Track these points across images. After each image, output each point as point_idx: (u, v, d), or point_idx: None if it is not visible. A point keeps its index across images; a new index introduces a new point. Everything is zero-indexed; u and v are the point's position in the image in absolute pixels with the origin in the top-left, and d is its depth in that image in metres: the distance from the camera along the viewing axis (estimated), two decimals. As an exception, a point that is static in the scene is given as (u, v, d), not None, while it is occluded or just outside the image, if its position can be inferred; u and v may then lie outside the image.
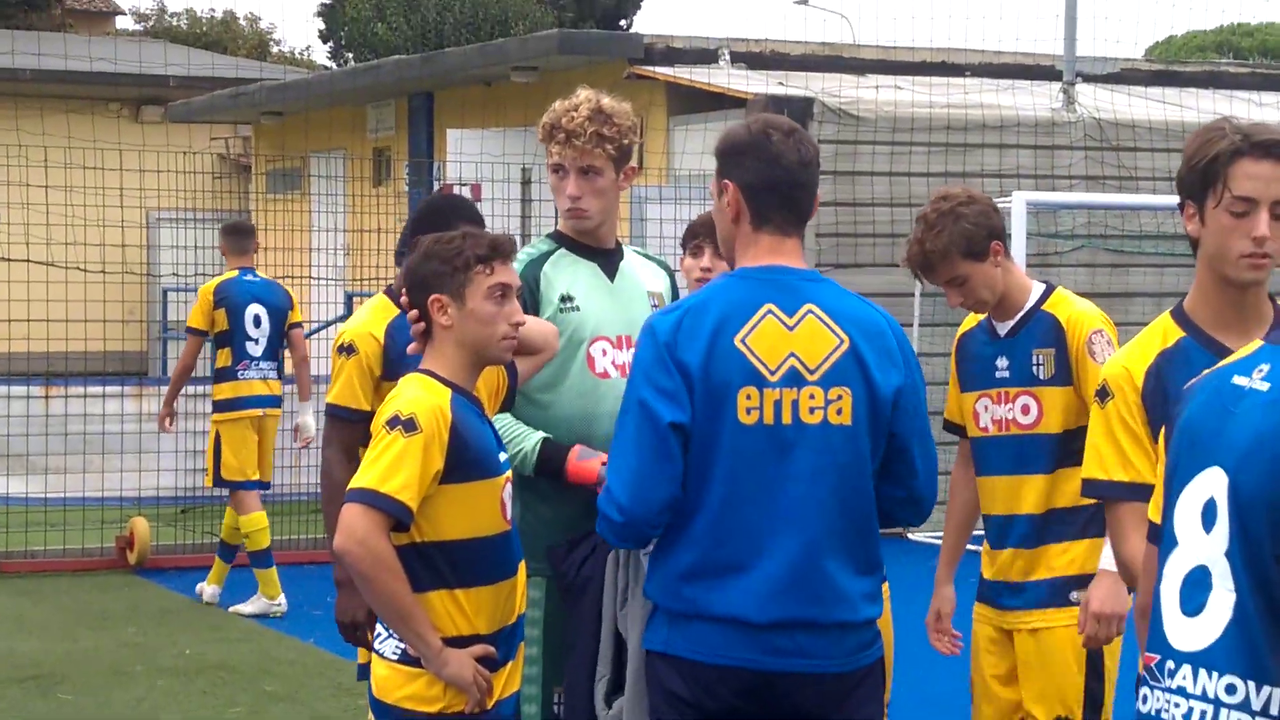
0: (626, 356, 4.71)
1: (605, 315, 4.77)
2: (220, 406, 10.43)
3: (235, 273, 10.63)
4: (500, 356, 4.37)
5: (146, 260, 20.04)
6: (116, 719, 8.24)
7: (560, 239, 4.85)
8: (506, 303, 4.31)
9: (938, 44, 17.16)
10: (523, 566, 4.41)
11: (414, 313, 4.37)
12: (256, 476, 10.44)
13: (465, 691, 4.20)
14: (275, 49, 43.51)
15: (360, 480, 4.17)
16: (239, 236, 10.92)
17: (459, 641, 4.23)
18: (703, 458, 3.97)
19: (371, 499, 4.13)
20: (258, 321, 10.45)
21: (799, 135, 4.11)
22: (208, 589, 10.82)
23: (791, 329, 3.98)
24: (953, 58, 17.10)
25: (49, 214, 14.71)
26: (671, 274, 5.10)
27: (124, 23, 43.77)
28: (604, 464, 4.37)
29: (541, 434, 4.61)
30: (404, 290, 4.45)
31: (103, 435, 13.38)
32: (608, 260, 4.86)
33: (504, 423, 4.62)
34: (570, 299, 4.74)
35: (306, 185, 20.80)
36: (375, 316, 5.37)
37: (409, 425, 4.17)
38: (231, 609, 10.55)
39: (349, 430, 5.23)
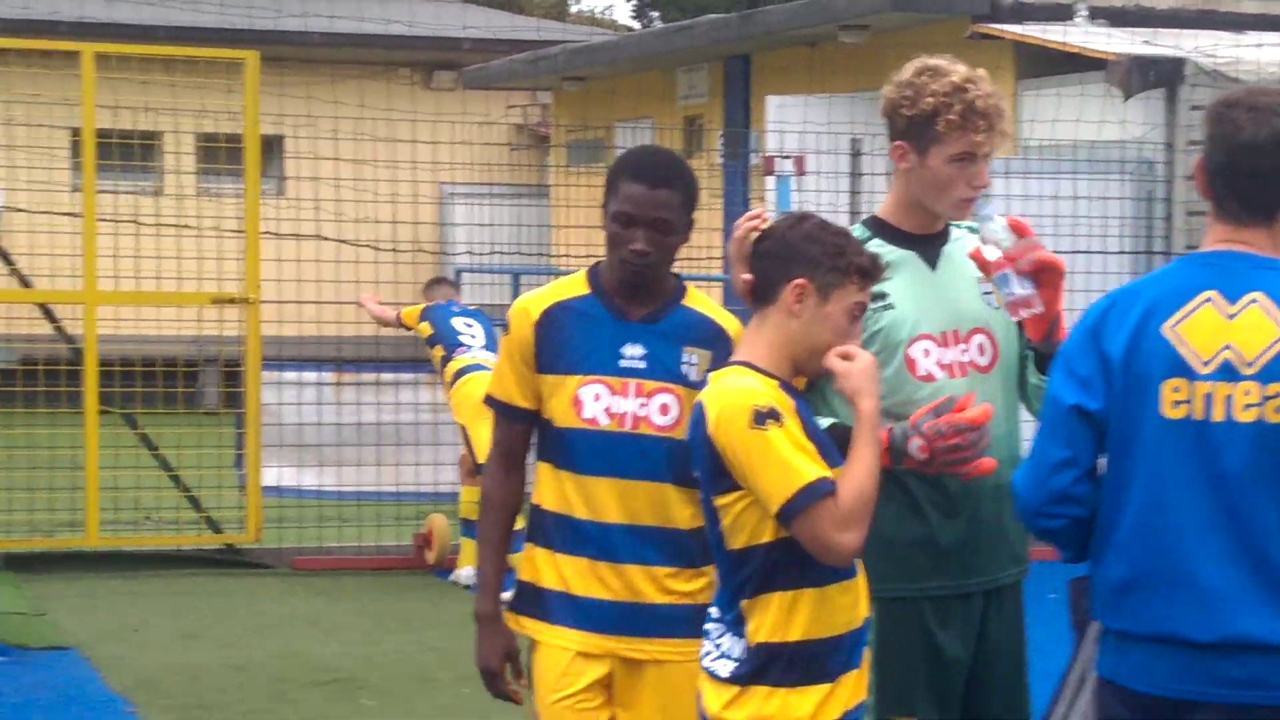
0: (955, 354, 4.75)
1: (926, 311, 4.75)
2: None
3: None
4: (814, 370, 4.40)
5: (440, 238, 20.54)
6: (419, 729, 8.58)
7: (877, 226, 4.84)
8: (855, 326, 4.39)
9: (1327, -5, 16.80)
10: (861, 570, 4.49)
11: (749, 277, 4.43)
12: None
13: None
14: (574, 8, 44.21)
15: (795, 485, 4.17)
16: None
17: (796, 646, 4.28)
18: (1121, 455, 4.04)
19: (816, 493, 4.17)
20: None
21: (1265, 111, 4.04)
22: (463, 572, 11.45)
23: (1231, 318, 4.00)
24: (1346, 10, 16.70)
25: (339, 188, 15.18)
26: None
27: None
28: (890, 431, 4.50)
29: (830, 419, 4.57)
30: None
31: (396, 426, 13.85)
32: (929, 246, 4.83)
33: None
34: (883, 296, 4.69)
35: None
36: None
37: (774, 414, 4.22)
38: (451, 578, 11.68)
39: None
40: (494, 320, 11.64)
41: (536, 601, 4.80)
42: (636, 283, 4.70)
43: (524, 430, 4.85)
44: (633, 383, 4.70)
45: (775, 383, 4.31)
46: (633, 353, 4.70)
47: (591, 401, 4.69)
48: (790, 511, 4.17)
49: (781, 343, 4.35)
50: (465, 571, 11.59)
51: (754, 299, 4.41)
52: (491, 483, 4.90)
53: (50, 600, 11.25)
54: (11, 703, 8.84)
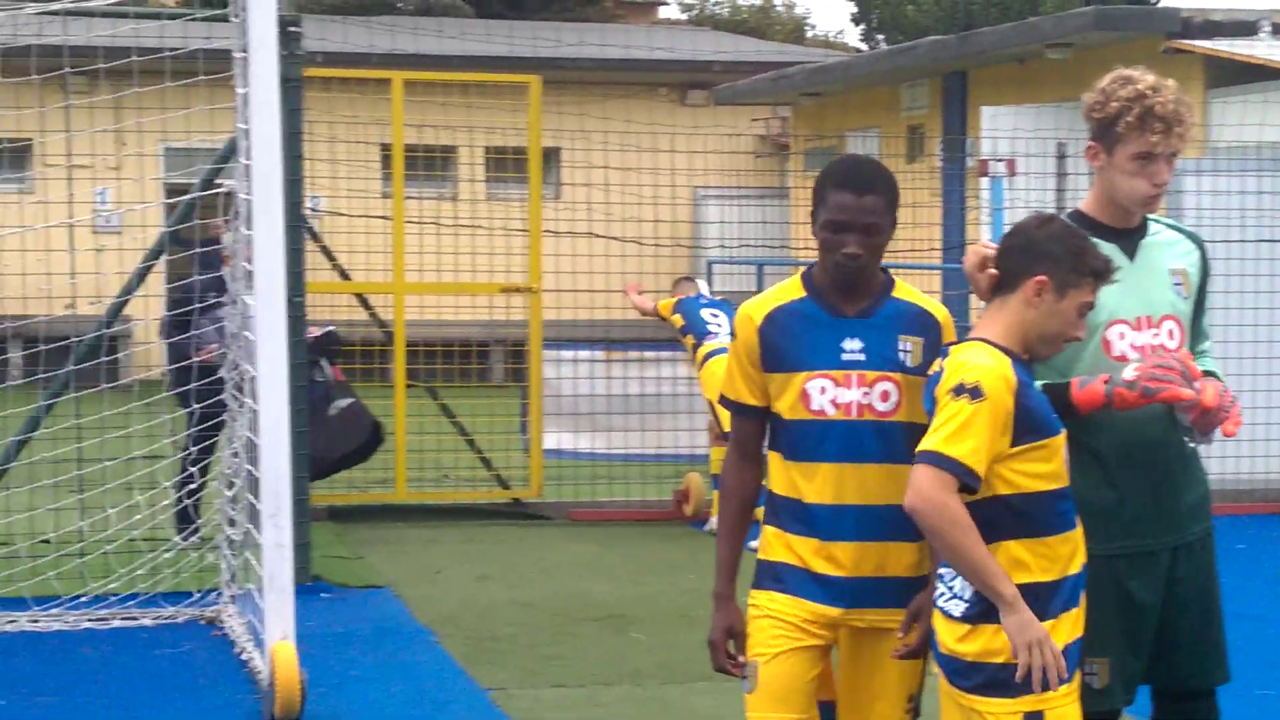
0: (1146, 338, 4.68)
1: (1123, 298, 4.67)
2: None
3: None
4: (1041, 354, 4.46)
5: (693, 235, 20.60)
6: (682, 661, 8.56)
7: (1080, 220, 4.75)
8: (1082, 321, 4.44)
9: None
10: (1079, 522, 4.46)
11: (993, 272, 4.46)
12: None
13: (1021, 648, 4.23)
14: (810, 33, 44.03)
15: (929, 443, 4.28)
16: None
17: (1023, 588, 4.28)
18: None
19: (939, 461, 4.25)
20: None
21: None
22: (714, 521, 11.43)
23: None
24: None
25: (608, 192, 15.29)
26: (1203, 247, 4.96)
27: (666, 13, 44.94)
28: (1105, 382, 4.49)
29: (1043, 381, 4.54)
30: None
31: (658, 397, 13.93)
32: (1127, 239, 4.76)
33: None
34: None
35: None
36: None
37: (975, 392, 4.26)
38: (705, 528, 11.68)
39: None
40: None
41: (771, 574, 4.70)
42: (850, 283, 4.60)
43: (756, 425, 4.71)
44: (855, 374, 4.56)
45: (1008, 359, 4.35)
46: (852, 346, 4.57)
47: (818, 394, 4.56)
48: (921, 456, 4.28)
49: (1016, 326, 4.41)
50: (714, 521, 11.63)
51: (997, 287, 4.45)
52: (728, 474, 4.77)
53: (366, 546, 11.47)
54: (336, 632, 9.01)
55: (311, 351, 10.93)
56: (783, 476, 4.65)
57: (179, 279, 10.83)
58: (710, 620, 4.74)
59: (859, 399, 4.56)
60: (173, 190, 19.69)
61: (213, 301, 10.17)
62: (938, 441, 4.27)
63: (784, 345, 4.62)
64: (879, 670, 4.65)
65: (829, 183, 4.59)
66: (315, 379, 11.17)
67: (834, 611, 4.60)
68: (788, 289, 4.71)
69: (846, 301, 4.62)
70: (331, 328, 11.67)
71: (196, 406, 9.94)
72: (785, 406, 4.62)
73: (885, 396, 4.56)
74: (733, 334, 4.84)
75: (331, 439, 11.50)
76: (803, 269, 4.76)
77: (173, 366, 10.30)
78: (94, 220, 15.61)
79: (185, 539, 10.20)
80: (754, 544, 4.81)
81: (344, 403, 11.62)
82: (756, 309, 4.70)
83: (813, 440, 4.59)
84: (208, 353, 10.03)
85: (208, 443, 10.55)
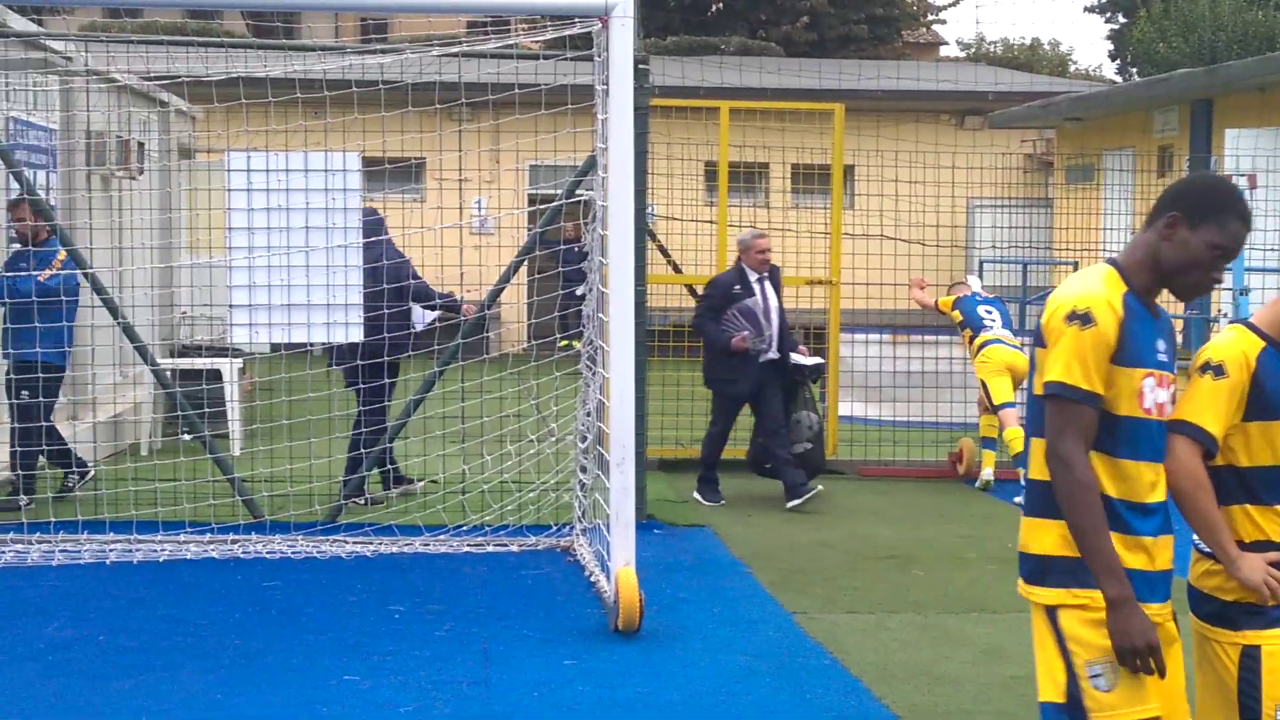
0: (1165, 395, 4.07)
1: (1164, 355, 4.09)
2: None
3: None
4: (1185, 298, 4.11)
5: (967, 238, 20.30)
6: (957, 594, 8.48)
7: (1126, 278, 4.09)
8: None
9: None
10: None
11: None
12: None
13: (1255, 589, 4.13)
14: (1072, 68, 42.86)
15: (1180, 413, 4.14)
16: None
17: (1253, 547, 4.18)
18: None
19: (1190, 430, 4.13)
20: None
21: None
22: (985, 473, 11.81)
23: None
24: None
25: (897, 201, 15.16)
26: None
27: (946, 50, 44.23)
28: None
29: None
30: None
31: (935, 374, 13.78)
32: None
33: None
34: None
35: (1099, 177, 20.42)
36: (1110, 286, 4.02)
37: (1218, 370, 4.15)
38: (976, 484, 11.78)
39: (1083, 414, 3.95)
40: (1006, 299, 11.96)
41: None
42: (1190, 297, 4.09)
43: (1098, 416, 3.96)
44: (1165, 375, 4.02)
45: (1262, 343, 4.19)
46: (1161, 347, 4.03)
47: (1149, 392, 3.97)
48: (1178, 426, 4.10)
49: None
50: (986, 473, 11.85)
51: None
52: (1083, 468, 3.91)
53: (689, 492, 11.59)
54: (665, 562, 9.12)
55: (810, 375, 11.33)
56: (1110, 476, 3.98)
57: (540, 271, 11.06)
58: (1122, 625, 3.87)
59: (1166, 400, 4.05)
60: (535, 199, 20.14)
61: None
62: (1188, 412, 4.14)
63: (1130, 338, 3.96)
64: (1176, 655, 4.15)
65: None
66: (805, 396, 11.39)
67: (1154, 608, 4.01)
68: (1111, 281, 4.02)
69: (1152, 303, 4.07)
70: (822, 360, 11.76)
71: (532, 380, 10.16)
72: (1121, 401, 3.97)
73: (1173, 398, 4.11)
74: (1006, 324, 4.62)
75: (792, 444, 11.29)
76: (1106, 262, 4.12)
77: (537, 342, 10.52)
78: (472, 224, 16.04)
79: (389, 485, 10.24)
80: None
81: (813, 418, 11.45)
82: (1113, 296, 3.97)
83: (1143, 438, 4.00)
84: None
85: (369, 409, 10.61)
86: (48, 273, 10.04)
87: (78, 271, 10.23)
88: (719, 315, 10.88)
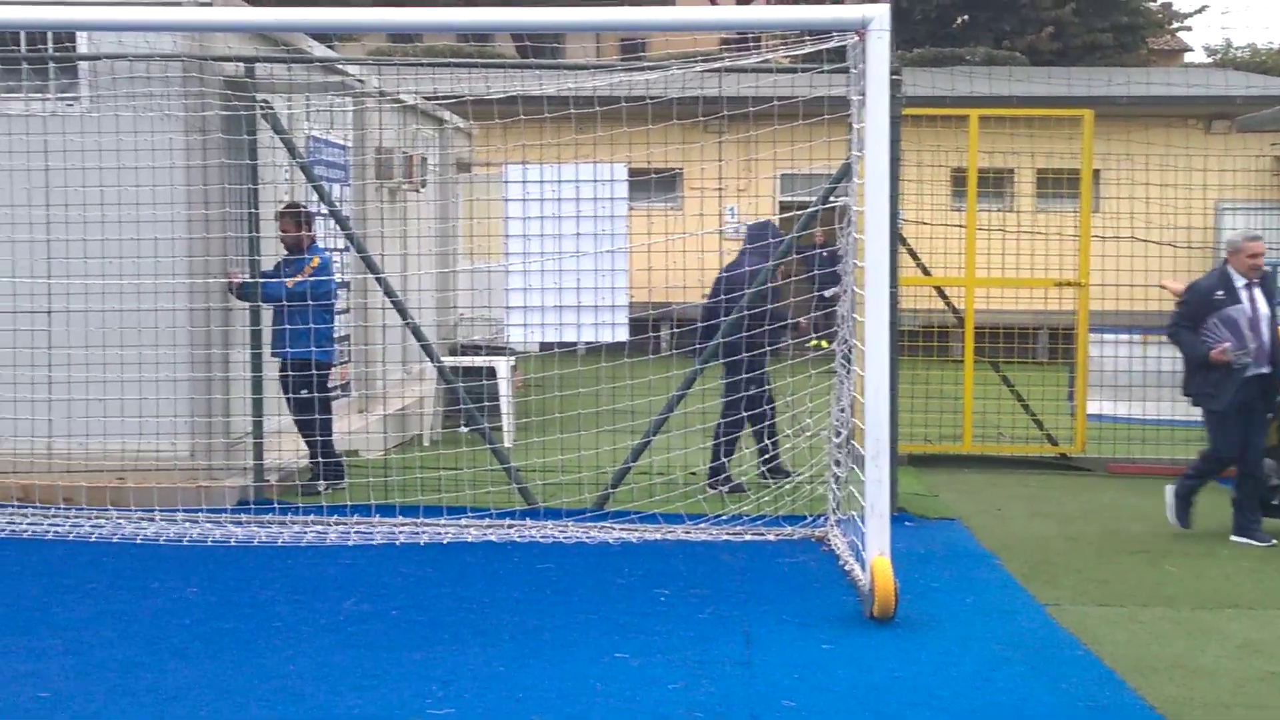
0: None
1: None
2: None
3: None
4: None
5: (1215, 240, 19.58)
6: (1211, 589, 8.19)
7: None
8: None
9: None
10: None
11: None
12: None
13: None
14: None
15: None
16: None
17: None
18: None
19: None
20: None
21: None
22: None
23: None
24: None
25: (1148, 204, 14.73)
26: None
27: (1190, 57, 42.67)
28: None
29: None
30: None
31: (1173, 374, 13.32)
32: None
33: None
34: None
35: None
36: None
37: None
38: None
39: None
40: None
41: None
42: None
43: None
44: None
45: None
46: None
47: None
48: None
49: None
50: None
51: None
52: None
53: (939, 486, 11.45)
54: (917, 553, 9.04)
55: None
56: None
57: (791, 275, 11.04)
58: None
59: None
60: (783, 206, 20.13)
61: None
62: None
63: None
64: None
65: None
66: None
67: None
68: None
69: None
70: None
71: (739, 376, 10.15)
72: None
73: None
74: None
75: None
76: None
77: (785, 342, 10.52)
78: (723, 230, 16.13)
79: (764, 472, 10.40)
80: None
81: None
82: None
83: None
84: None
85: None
86: (298, 278, 10.46)
87: (331, 278, 10.67)
88: (1197, 324, 9.64)
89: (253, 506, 10.08)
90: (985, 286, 13.53)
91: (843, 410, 8.93)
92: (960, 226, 13.23)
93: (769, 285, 10.12)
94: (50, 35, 10.27)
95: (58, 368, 10.24)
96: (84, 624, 7.26)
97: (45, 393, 10.25)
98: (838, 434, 9.08)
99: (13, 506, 9.94)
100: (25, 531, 9.40)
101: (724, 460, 10.56)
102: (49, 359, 10.25)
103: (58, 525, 9.51)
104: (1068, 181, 16.06)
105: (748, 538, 9.38)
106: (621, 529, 9.50)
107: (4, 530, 9.43)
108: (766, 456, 10.67)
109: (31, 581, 8.16)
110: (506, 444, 11.77)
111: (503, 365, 13.42)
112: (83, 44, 10.33)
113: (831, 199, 9.80)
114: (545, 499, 10.05)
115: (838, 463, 9.10)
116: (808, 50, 9.15)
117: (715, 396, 10.46)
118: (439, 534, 9.37)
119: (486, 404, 12.11)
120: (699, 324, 10.77)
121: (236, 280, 10.30)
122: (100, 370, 10.10)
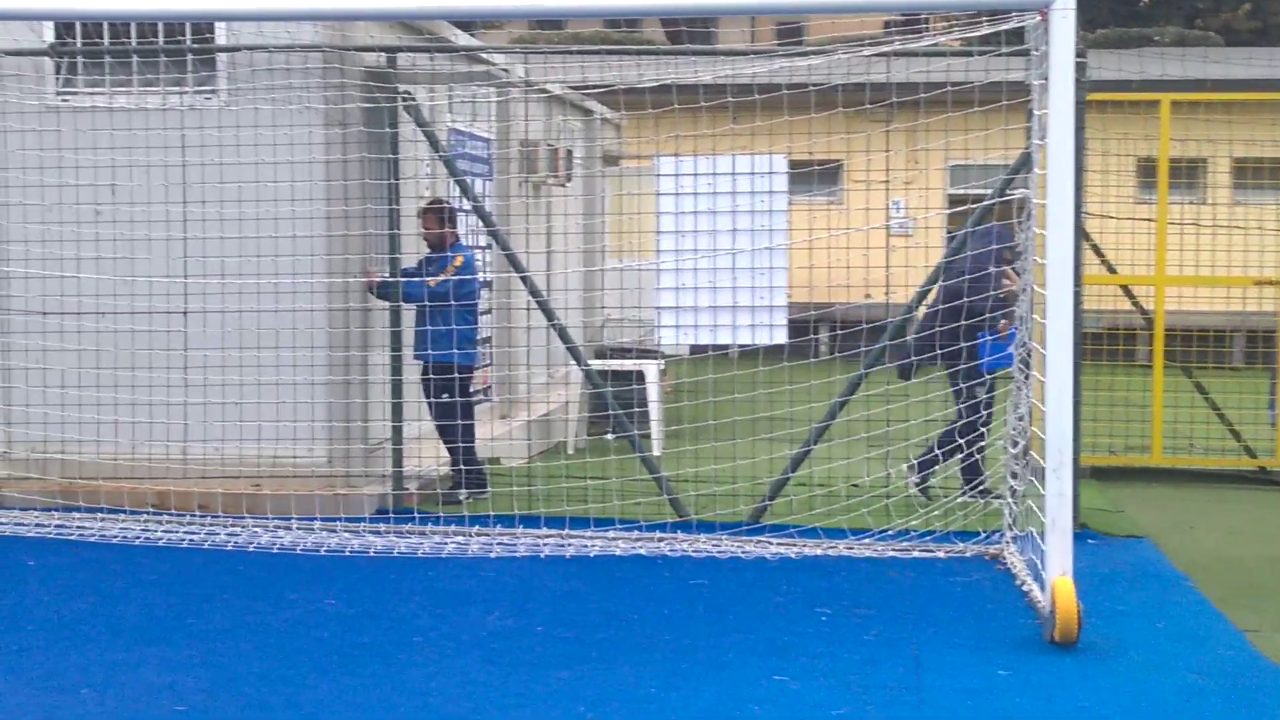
0: None
1: None
2: None
3: None
4: None
5: None
6: None
7: None
8: None
9: None
10: None
11: None
12: None
13: None
14: None
15: None
16: None
17: None
18: None
19: None
20: None
21: None
22: None
23: None
24: None
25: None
26: None
27: None
28: None
29: None
30: None
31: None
32: None
33: None
34: None
35: None
36: None
37: None
38: None
39: None
40: None
41: None
42: None
43: None
44: None
45: None
46: None
47: None
48: None
49: None
50: None
51: None
52: None
53: (1125, 501, 11.24)
54: (1101, 573, 8.89)
55: None
56: None
57: (959, 274, 10.91)
58: None
59: None
60: (952, 200, 19.90)
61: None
62: None
63: None
64: None
65: None
66: None
67: None
68: None
69: None
70: None
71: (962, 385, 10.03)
72: None
73: None
74: None
75: None
76: None
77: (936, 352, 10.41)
78: (889, 225, 15.99)
79: (971, 491, 10.33)
80: None
81: None
82: None
83: None
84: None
85: (973, 403, 10.54)
86: (440, 278, 10.60)
87: (475, 277, 10.80)
88: None
89: (392, 516, 10.26)
90: (1176, 285, 13.26)
91: (1020, 419, 8.82)
92: (1149, 221, 12.99)
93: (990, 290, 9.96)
94: (188, 26, 10.56)
95: (193, 370, 10.53)
96: (220, 635, 7.45)
97: (181, 396, 10.55)
98: (1015, 444, 8.97)
99: (148, 513, 10.24)
100: (160, 539, 9.68)
101: (936, 464, 10.42)
102: (185, 361, 10.54)
103: (193, 533, 9.78)
104: (1269, 172, 15.63)
105: (916, 554, 9.31)
106: (779, 544, 9.49)
107: (139, 537, 9.72)
108: (978, 478, 10.52)
109: (166, 590, 8.40)
110: (655, 452, 11.82)
111: (652, 369, 13.48)
112: (221, 35, 10.61)
113: (1008, 191, 9.69)
114: (698, 511, 10.08)
115: (1015, 475, 9.00)
116: (984, 32, 9.07)
117: (880, 404, 10.39)
118: (586, 546, 9.44)
119: (635, 410, 12.18)
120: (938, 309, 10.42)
121: (376, 280, 10.50)
122: (236, 373, 10.36)
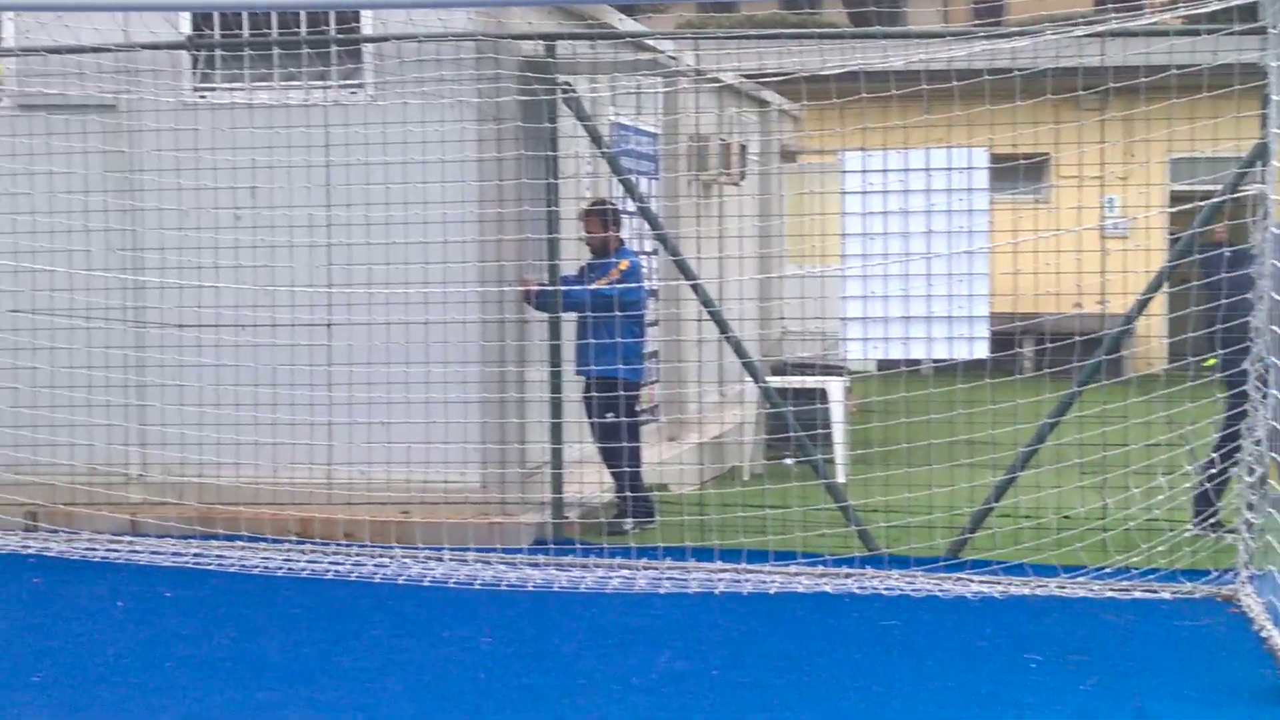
0: None
1: None
2: None
3: None
4: None
5: None
6: None
7: None
8: None
9: None
10: None
11: None
12: None
13: None
14: None
15: None
16: None
17: None
18: None
19: None
20: None
21: None
22: None
23: None
24: None
25: None
26: None
27: None
28: None
29: None
30: None
31: None
32: None
33: None
34: None
35: None
36: None
37: None
38: None
39: None
40: None
41: None
42: None
43: None
44: None
45: None
46: None
47: None
48: None
49: None
50: None
51: None
52: None
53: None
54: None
55: None
56: None
57: (1182, 281, 10.65)
58: None
59: None
60: (1175, 198, 19.50)
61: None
62: None
63: None
64: None
65: None
66: None
67: None
68: None
69: None
70: None
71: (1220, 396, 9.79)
72: None
73: None
74: None
75: None
76: None
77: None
78: (1103, 226, 15.73)
79: (1200, 524, 10.08)
80: None
81: None
82: None
83: None
84: None
85: (1231, 431, 10.29)
86: (601, 283, 10.60)
87: (641, 285, 10.80)
88: None
89: (551, 547, 10.30)
90: None
91: (1257, 444, 8.59)
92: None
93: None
94: (332, 15, 10.74)
95: (338, 387, 10.68)
96: (369, 675, 7.53)
97: (325, 415, 10.70)
98: (1251, 472, 8.74)
99: (291, 542, 10.41)
100: (304, 569, 9.83)
101: (1213, 496, 10.20)
102: (329, 377, 10.70)
103: (338, 564, 9.92)
104: None
105: (1137, 595, 9.14)
106: (981, 581, 9.37)
107: (281, 568, 9.89)
108: (1209, 509, 10.26)
109: (311, 625, 8.52)
110: (841, 479, 11.73)
111: (836, 387, 13.38)
112: (367, 24, 10.77)
113: (1240, 188, 9.47)
114: (889, 544, 9.98)
115: (1251, 506, 8.77)
116: (1213, 8, 8.87)
117: (1095, 425, 10.19)
118: (764, 582, 9.40)
119: (818, 432, 12.09)
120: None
121: (534, 288, 10.56)
122: (384, 390, 10.50)
